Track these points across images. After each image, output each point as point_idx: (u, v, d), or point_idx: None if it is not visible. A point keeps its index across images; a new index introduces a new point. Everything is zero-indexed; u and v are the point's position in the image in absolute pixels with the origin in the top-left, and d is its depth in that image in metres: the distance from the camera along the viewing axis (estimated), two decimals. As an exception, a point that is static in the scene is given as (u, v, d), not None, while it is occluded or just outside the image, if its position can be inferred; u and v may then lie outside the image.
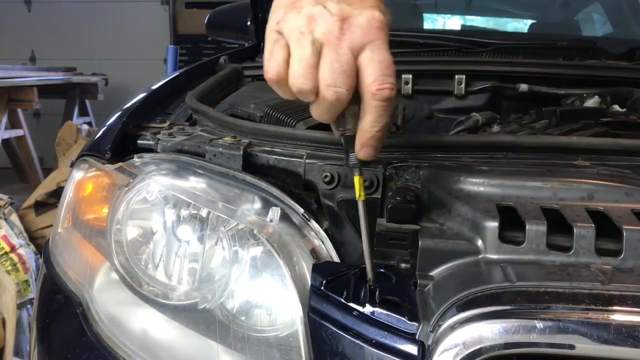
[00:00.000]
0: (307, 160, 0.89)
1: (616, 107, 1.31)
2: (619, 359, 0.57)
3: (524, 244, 0.66)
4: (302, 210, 0.84)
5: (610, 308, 0.58)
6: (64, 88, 5.20)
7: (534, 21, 2.82)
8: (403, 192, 0.81)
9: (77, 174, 1.02)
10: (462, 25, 2.97)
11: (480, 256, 0.68)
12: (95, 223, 0.95)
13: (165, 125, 1.11)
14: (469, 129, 1.27)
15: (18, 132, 4.78)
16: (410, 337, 0.64)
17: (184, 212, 0.85)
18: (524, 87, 1.46)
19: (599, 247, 0.65)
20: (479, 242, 0.69)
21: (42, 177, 4.39)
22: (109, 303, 0.87)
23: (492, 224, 0.68)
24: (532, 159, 0.86)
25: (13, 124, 4.70)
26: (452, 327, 0.61)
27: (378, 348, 0.64)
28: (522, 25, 3.02)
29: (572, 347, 0.57)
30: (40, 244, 2.95)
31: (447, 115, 1.50)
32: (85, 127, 4.24)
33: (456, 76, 1.48)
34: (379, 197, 0.85)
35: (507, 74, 1.48)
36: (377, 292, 0.69)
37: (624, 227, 0.65)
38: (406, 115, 1.46)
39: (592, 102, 1.32)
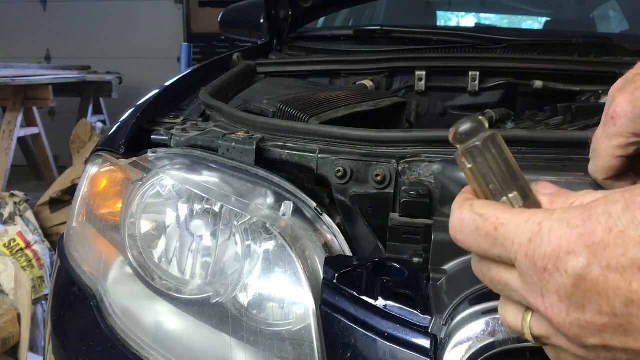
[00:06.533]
0: (319, 155, 0.89)
1: (632, 104, 1.30)
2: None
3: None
4: (314, 204, 0.84)
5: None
6: (79, 86, 5.26)
7: (548, 19, 2.80)
8: (416, 186, 0.81)
9: (92, 169, 1.03)
10: (476, 24, 2.96)
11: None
12: (110, 217, 0.95)
13: (179, 120, 1.12)
14: (482, 125, 1.26)
15: (34, 130, 4.83)
16: (423, 331, 0.64)
17: (197, 207, 0.85)
18: (538, 84, 1.45)
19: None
20: (493, 236, 0.68)
21: (57, 175, 4.43)
22: (123, 296, 0.88)
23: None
24: (547, 154, 0.86)
25: (29, 122, 4.75)
26: (465, 321, 0.60)
27: (391, 341, 0.64)
28: (536, 24, 3.00)
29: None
30: (54, 241, 2.99)
31: (461, 112, 1.49)
32: (100, 125, 4.29)
33: (470, 73, 1.47)
34: (392, 191, 0.85)
35: (521, 70, 1.46)
36: (390, 285, 0.69)
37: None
38: (419, 111, 1.45)
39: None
